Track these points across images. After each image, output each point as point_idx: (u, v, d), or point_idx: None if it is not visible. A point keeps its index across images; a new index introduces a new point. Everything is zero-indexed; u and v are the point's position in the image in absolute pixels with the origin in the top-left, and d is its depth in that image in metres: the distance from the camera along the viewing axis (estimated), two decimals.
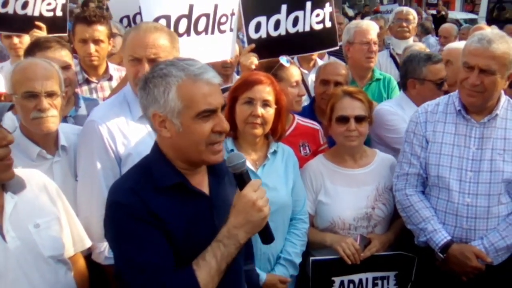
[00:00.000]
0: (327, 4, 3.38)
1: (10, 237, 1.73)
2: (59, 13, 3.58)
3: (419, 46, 4.19)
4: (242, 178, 1.58)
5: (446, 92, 2.90)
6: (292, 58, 3.17)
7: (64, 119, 2.71)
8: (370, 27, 3.75)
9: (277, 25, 3.20)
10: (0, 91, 2.72)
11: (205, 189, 1.69)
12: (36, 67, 2.20)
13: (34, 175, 1.92)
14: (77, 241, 2.06)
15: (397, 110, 3.04)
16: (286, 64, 2.78)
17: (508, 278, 2.42)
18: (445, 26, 6.88)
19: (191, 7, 2.86)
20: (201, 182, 1.69)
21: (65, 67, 2.63)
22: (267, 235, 1.62)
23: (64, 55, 2.71)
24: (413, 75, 3.06)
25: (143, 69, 2.17)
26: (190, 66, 1.57)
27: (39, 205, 1.87)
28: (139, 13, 3.42)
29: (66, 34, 3.59)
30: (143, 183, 1.58)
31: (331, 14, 3.40)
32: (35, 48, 2.72)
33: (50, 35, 3.19)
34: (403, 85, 3.18)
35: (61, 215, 1.96)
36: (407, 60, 3.18)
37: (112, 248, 1.65)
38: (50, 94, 2.19)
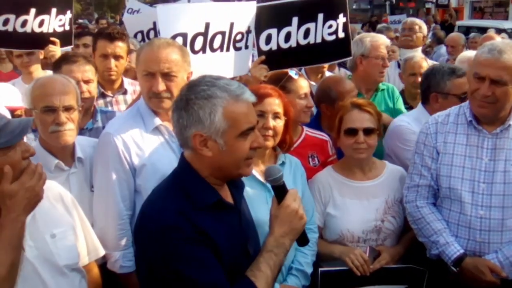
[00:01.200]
0: (341, 15, 3.36)
1: (28, 246, 1.79)
2: (67, 27, 3.79)
3: (420, 57, 4.13)
4: (282, 189, 1.69)
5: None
6: (300, 70, 3.19)
7: (81, 131, 2.83)
8: (385, 41, 3.76)
9: (287, 37, 3.23)
10: (16, 105, 2.85)
11: (231, 201, 1.76)
12: (55, 83, 2.32)
13: (51, 186, 1.99)
14: (91, 250, 2.13)
15: (415, 127, 2.95)
16: (295, 77, 2.82)
17: None
18: (452, 35, 6.70)
19: (207, 25, 2.94)
20: (227, 195, 1.76)
21: (87, 81, 2.80)
22: (305, 238, 1.75)
23: (88, 69, 2.86)
24: (436, 89, 3.01)
25: (157, 83, 2.26)
26: (230, 86, 1.63)
27: (55, 216, 1.95)
28: (153, 28, 3.55)
29: (72, 46, 3.84)
30: (184, 203, 1.60)
31: (345, 25, 3.39)
32: (62, 61, 2.91)
33: (77, 51, 3.38)
34: (424, 99, 3.12)
35: (77, 225, 2.04)
36: (430, 73, 3.11)
37: (165, 274, 1.57)
38: (68, 109, 2.29)
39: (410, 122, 3.05)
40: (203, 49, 2.96)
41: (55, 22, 3.69)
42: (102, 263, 2.41)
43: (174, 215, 1.56)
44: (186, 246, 1.53)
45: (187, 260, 1.53)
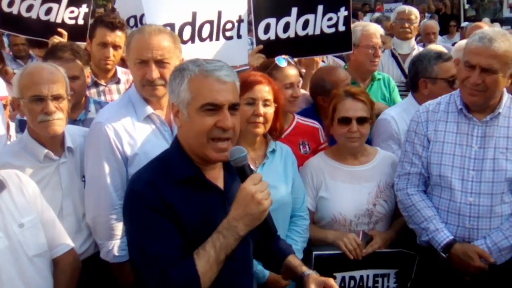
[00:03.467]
0: (342, 8, 3.34)
1: None
2: (80, 21, 3.61)
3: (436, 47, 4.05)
4: (243, 171, 1.63)
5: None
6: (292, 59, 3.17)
7: (74, 122, 2.79)
8: (377, 30, 3.73)
9: (286, 27, 3.22)
10: (1, 95, 2.79)
11: (220, 184, 1.76)
12: (42, 72, 2.27)
13: (11, 175, 1.98)
14: (60, 242, 2.08)
15: (400, 120, 2.95)
16: (282, 65, 2.80)
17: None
18: (430, 22, 6.46)
19: (194, 15, 2.92)
20: (217, 177, 1.76)
21: (72, 78, 2.66)
22: (268, 229, 1.65)
23: (73, 66, 2.76)
24: (424, 74, 3.01)
25: (151, 71, 2.24)
26: (207, 63, 1.67)
27: (20, 205, 1.93)
28: None
29: (86, 43, 3.57)
30: (161, 175, 1.65)
31: (346, 18, 3.36)
32: (48, 55, 2.82)
33: (68, 42, 3.25)
34: (413, 86, 3.12)
35: (43, 215, 2.02)
36: (417, 60, 3.11)
37: (128, 234, 1.73)
38: (56, 98, 2.25)
39: (398, 113, 3.03)
40: (191, 39, 2.94)
41: (65, 12, 3.53)
42: (95, 255, 2.41)
43: (145, 184, 1.64)
44: (148, 214, 1.60)
45: (144, 227, 1.61)
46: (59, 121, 2.26)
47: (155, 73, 2.24)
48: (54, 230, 2.07)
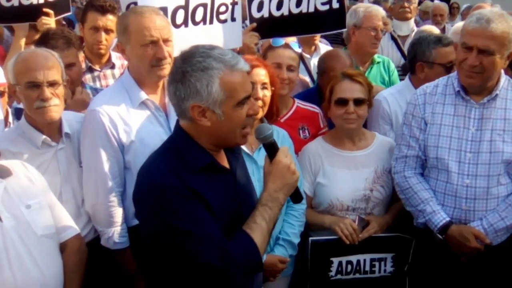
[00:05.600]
0: None
1: (5, 217, 1.82)
2: None
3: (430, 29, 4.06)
4: (273, 147, 1.72)
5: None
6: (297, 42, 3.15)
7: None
8: (379, 12, 3.68)
9: (280, 4, 3.17)
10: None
11: (227, 165, 1.79)
12: (37, 58, 2.25)
13: (17, 164, 2.01)
14: (67, 226, 2.11)
15: (393, 101, 2.96)
16: (274, 44, 2.77)
17: (507, 259, 2.43)
18: (438, 3, 6.54)
19: None
20: (223, 159, 1.79)
21: (69, 65, 2.64)
22: (298, 195, 1.78)
23: (68, 54, 2.73)
24: (422, 58, 2.97)
25: (162, 50, 2.24)
26: (224, 56, 1.62)
27: (27, 189, 1.95)
28: None
29: (71, 13, 3.58)
30: (178, 165, 1.64)
31: None
32: (41, 43, 2.77)
33: (59, 29, 3.21)
34: (411, 68, 3.10)
35: (51, 201, 2.05)
36: (416, 42, 3.08)
37: (160, 230, 1.63)
38: (52, 84, 2.24)
39: (391, 94, 3.04)
40: (185, 23, 2.91)
41: None
42: (95, 239, 2.43)
43: (167, 174, 1.61)
44: (180, 202, 1.58)
45: (183, 215, 1.58)
46: (56, 107, 2.26)
47: (166, 52, 2.25)
48: (61, 215, 2.09)
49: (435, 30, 4.10)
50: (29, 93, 2.22)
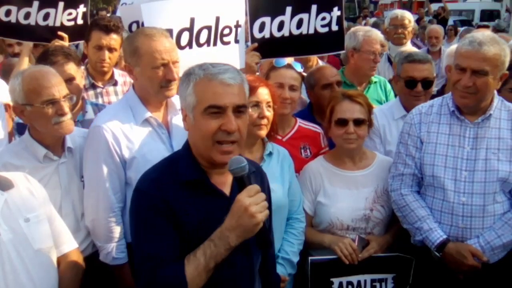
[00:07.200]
0: (335, 8, 3.39)
1: (3, 230, 1.82)
2: (80, 21, 3.65)
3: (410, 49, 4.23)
4: (241, 182, 1.61)
5: (434, 96, 2.92)
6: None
7: None
8: (378, 36, 3.79)
9: (281, 26, 3.27)
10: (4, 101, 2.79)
11: (227, 190, 1.74)
12: (47, 75, 2.30)
13: (20, 176, 2.02)
14: (65, 240, 2.11)
15: (382, 117, 3.05)
16: (276, 65, 2.85)
17: (505, 276, 2.44)
18: (435, 27, 6.69)
19: (192, 20, 2.96)
20: (224, 182, 1.75)
21: (68, 80, 2.69)
22: (261, 241, 1.65)
23: (68, 69, 2.79)
24: (398, 73, 3.15)
25: (172, 72, 2.32)
26: (212, 67, 1.69)
27: (28, 201, 1.96)
28: None
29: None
30: (167, 175, 1.69)
31: (339, 18, 3.42)
32: (41, 60, 2.83)
33: (59, 45, 3.28)
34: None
35: (50, 215, 2.05)
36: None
37: (131, 230, 1.78)
38: (66, 98, 2.30)
39: (381, 110, 3.12)
40: (189, 44, 2.98)
41: (63, 16, 3.56)
42: (93, 254, 2.43)
43: (150, 182, 1.70)
44: (148, 212, 1.65)
45: (143, 226, 1.66)
46: (71, 120, 2.33)
47: (175, 73, 2.33)
48: (60, 228, 2.10)
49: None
50: (47, 111, 2.25)
